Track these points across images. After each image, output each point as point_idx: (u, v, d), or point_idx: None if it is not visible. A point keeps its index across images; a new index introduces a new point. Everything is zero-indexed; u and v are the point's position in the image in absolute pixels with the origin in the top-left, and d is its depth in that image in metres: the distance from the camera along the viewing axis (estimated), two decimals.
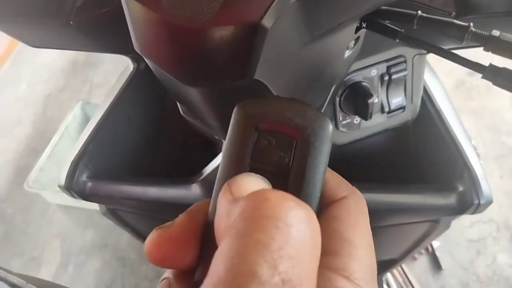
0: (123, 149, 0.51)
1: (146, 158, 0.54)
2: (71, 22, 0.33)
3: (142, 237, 0.61)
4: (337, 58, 0.27)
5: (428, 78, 0.46)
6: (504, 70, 0.22)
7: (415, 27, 0.24)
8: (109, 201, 0.49)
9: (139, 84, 0.49)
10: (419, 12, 0.24)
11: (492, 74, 0.22)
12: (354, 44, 0.28)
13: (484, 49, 0.22)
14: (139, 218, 0.55)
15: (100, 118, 0.48)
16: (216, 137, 0.36)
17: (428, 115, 0.44)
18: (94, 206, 1.34)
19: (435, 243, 1.19)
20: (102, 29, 0.31)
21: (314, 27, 0.20)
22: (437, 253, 1.18)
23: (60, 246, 1.36)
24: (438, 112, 0.44)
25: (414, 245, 0.53)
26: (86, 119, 1.55)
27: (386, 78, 0.37)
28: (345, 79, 0.37)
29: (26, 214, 1.45)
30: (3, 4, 0.32)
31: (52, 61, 1.95)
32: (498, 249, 1.20)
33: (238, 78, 0.19)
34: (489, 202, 0.40)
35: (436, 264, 1.18)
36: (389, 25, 0.26)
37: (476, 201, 0.40)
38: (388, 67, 0.37)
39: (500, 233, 1.23)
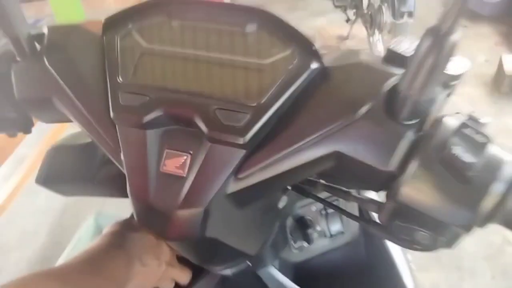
0: None
1: None
2: (95, 182, 0.47)
3: None
4: (272, 209, 0.40)
5: None
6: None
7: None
8: None
9: None
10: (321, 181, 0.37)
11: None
12: (287, 197, 0.41)
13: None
14: None
15: None
16: None
17: (370, 237, 0.56)
18: None
19: None
20: (114, 186, 0.42)
21: (244, 204, 0.33)
22: None
23: None
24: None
25: None
26: (99, 229, 1.67)
27: (324, 212, 0.49)
28: (294, 214, 0.49)
29: None
30: (53, 173, 0.47)
31: None
32: None
33: (197, 236, 0.31)
34: None
35: None
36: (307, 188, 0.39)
37: None
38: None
39: None
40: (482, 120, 0.30)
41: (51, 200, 2.04)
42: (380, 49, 2.58)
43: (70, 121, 0.34)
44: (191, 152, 0.28)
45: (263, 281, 0.53)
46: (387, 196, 0.28)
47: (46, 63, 0.35)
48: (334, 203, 0.41)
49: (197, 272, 0.56)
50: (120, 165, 0.31)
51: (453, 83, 0.30)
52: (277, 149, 0.28)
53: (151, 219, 0.30)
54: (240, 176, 0.28)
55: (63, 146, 0.48)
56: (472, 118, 0.31)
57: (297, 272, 0.59)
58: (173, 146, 0.29)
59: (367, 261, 0.59)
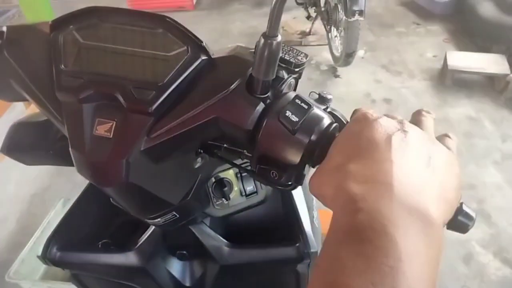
0: (85, 228, 0.74)
1: (103, 231, 0.76)
2: (51, 152, 0.59)
3: None
4: (188, 168, 0.52)
5: None
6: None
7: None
8: (73, 267, 0.70)
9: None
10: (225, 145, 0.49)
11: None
12: (202, 159, 0.53)
13: None
14: (95, 281, 0.75)
15: (70, 207, 0.72)
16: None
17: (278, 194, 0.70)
18: None
19: None
20: (67, 156, 0.46)
21: (158, 158, 0.45)
22: None
23: None
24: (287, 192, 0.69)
25: None
26: None
27: (239, 175, 0.63)
28: (214, 175, 0.62)
29: None
30: (15, 143, 0.58)
31: None
32: None
33: (122, 182, 0.43)
34: (316, 251, 0.63)
35: None
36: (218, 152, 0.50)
37: (306, 251, 0.63)
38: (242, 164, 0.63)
39: None
40: (328, 96, 0.45)
41: (19, 189, 2.10)
42: (337, 45, 2.74)
43: (26, 100, 0.46)
44: (116, 120, 0.40)
45: (196, 235, 0.66)
46: (254, 148, 0.39)
47: (6, 54, 0.46)
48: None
49: (142, 231, 0.68)
50: (65, 133, 0.43)
51: (297, 69, 0.42)
52: (177, 116, 0.40)
53: (87, 170, 0.42)
54: (151, 136, 0.40)
55: (24, 122, 0.60)
56: (320, 94, 0.45)
57: (225, 229, 0.72)
58: (102, 116, 0.41)
59: (282, 215, 0.73)
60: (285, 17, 3.43)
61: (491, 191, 1.91)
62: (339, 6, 2.48)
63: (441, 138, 0.37)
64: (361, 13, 2.23)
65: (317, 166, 0.38)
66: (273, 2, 0.32)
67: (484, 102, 2.46)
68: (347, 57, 2.54)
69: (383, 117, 0.34)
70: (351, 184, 0.28)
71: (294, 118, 0.36)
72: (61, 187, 2.05)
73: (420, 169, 0.30)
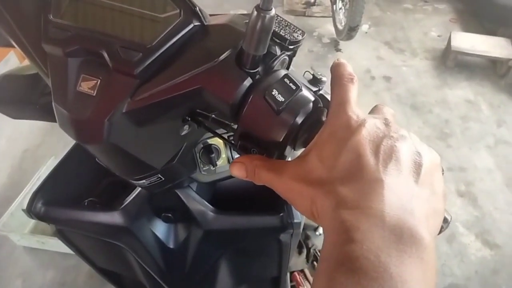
0: (72, 185, 0.74)
1: (90, 189, 0.76)
2: (37, 106, 0.58)
3: (84, 256, 0.81)
4: (174, 134, 0.51)
5: None
6: None
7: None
8: (57, 222, 0.71)
9: None
10: (213, 115, 0.47)
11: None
12: (189, 127, 0.52)
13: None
14: (80, 238, 0.76)
15: (57, 163, 0.71)
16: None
17: None
18: (56, 247, 1.51)
19: None
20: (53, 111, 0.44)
21: (141, 122, 0.43)
22: None
23: (22, 285, 1.50)
24: None
25: (280, 261, 0.75)
26: None
27: (225, 142, 0.62)
28: (202, 141, 0.61)
29: None
30: (4, 97, 0.57)
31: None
32: None
33: (102, 141, 0.42)
34: (299, 221, 0.64)
35: None
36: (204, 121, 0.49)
37: (290, 221, 0.63)
38: (228, 136, 0.62)
39: None
40: (323, 79, 0.43)
41: (11, 144, 2.09)
42: (341, 17, 2.68)
43: (14, 46, 0.45)
44: (100, 78, 0.39)
45: (182, 199, 0.66)
46: (237, 123, 0.38)
47: None
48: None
49: (128, 191, 0.68)
50: (50, 85, 0.41)
51: (291, 46, 0.40)
52: (162, 82, 0.38)
53: (69, 126, 0.41)
54: (134, 99, 0.39)
55: (12, 74, 0.58)
56: (314, 75, 0.44)
57: (211, 195, 0.72)
58: (87, 72, 0.39)
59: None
60: None
61: (480, 174, 1.93)
62: None
63: (376, 109, 0.36)
64: None
65: (300, 150, 0.36)
66: None
67: (484, 85, 2.44)
68: (350, 31, 2.49)
69: (368, 120, 0.32)
70: (342, 211, 0.27)
71: (280, 98, 0.35)
72: (53, 144, 2.04)
73: (410, 184, 0.29)
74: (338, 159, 0.30)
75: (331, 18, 2.89)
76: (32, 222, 1.63)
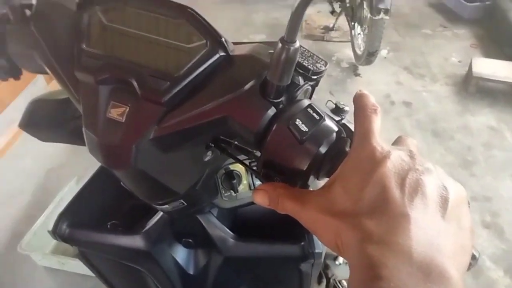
0: (96, 207, 0.75)
1: (113, 212, 0.77)
2: (66, 130, 0.60)
3: (104, 279, 0.81)
4: (197, 160, 0.52)
5: None
6: None
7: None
8: (80, 244, 0.72)
9: None
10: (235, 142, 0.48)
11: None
12: (212, 153, 0.53)
13: None
14: (101, 260, 0.77)
15: (82, 186, 0.73)
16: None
17: None
18: (76, 269, 1.52)
19: None
20: (81, 135, 0.46)
21: (167, 148, 0.44)
22: None
23: None
24: None
25: None
26: None
27: (247, 169, 0.63)
28: (224, 167, 0.62)
29: (15, 275, 1.62)
30: (32, 119, 0.60)
31: None
32: None
33: (130, 166, 0.43)
34: (320, 251, 0.63)
35: None
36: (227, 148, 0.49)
37: (311, 250, 0.63)
38: (250, 163, 0.63)
39: None
40: (345, 108, 0.44)
41: (36, 164, 2.15)
42: (360, 42, 2.70)
43: (47, 73, 0.47)
44: (129, 105, 0.40)
45: (203, 225, 0.67)
46: (261, 151, 0.39)
47: (32, 27, 0.47)
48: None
49: (150, 215, 0.69)
50: (81, 111, 0.43)
51: (314, 77, 0.41)
52: (188, 110, 0.39)
53: (98, 151, 0.42)
54: (161, 126, 0.40)
55: (43, 99, 0.61)
56: (337, 104, 0.44)
57: (232, 221, 0.73)
58: (117, 99, 0.41)
59: None
60: (309, 11, 3.36)
61: (507, 205, 1.87)
62: (365, 3, 2.44)
63: (400, 140, 0.36)
64: (386, 11, 2.18)
65: (323, 180, 0.36)
66: (295, 5, 0.31)
67: (507, 112, 2.40)
68: (369, 56, 2.50)
69: (392, 152, 0.32)
70: (369, 246, 0.27)
71: (304, 128, 0.36)
72: (76, 165, 2.08)
73: (437, 219, 0.29)
74: (364, 191, 0.30)
75: (349, 43, 2.92)
76: (53, 242, 1.66)
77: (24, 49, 0.49)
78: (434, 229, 0.28)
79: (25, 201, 1.94)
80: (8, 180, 2.07)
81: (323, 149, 0.36)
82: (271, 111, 0.38)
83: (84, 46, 0.43)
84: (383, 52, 2.93)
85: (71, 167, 2.10)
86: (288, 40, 0.33)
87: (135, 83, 0.40)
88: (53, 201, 1.69)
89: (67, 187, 1.76)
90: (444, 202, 0.30)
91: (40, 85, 2.30)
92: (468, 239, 0.30)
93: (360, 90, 0.38)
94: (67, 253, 1.57)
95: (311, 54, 0.42)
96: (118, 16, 0.44)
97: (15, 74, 0.56)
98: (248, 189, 0.65)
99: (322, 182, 0.37)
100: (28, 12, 0.49)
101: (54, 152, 2.19)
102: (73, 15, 0.46)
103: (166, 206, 0.55)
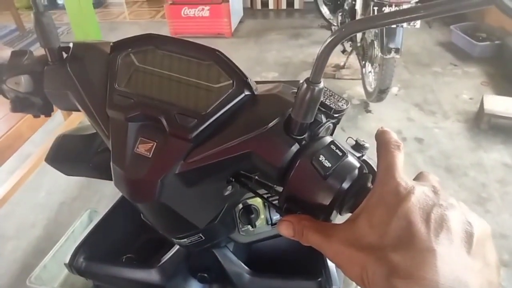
0: (112, 241, 0.75)
1: (129, 246, 0.77)
2: (90, 164, 0.62)
3: None
4: (218, 194, 0.52)
5: None
6: None
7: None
8: (96, 278, 0.71)
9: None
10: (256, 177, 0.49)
11: None
12: (232, 187, 0.53)
13: None
14: None
15: (99, 220, 0.74)
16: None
17: None
18: None
19: None
20: (106, 170, 0.48)
21: (191, 183, 0.46)
22: None
23: None
24: None
25: None
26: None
27: (266, 204, 0.63)
28: (242, 201, 0.63)
29: None
30: (59, 154, 0.62)
31: None
32: None
33: (154, 200, 0.44)
34: (338, 287, 0.62)
35: None
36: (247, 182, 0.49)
37: (328, 286, 0.62)
38: (268, 197, 0.63)
39: None
40: (366, 145, 0.45)
41: (49, 197, 2.17)
42: (371, 80, 2.74)
43: (78, 110, 0.49)
44: (157, 141, 0.42)
45: (218, 259, 0.66)
46: (284, 187, 0.39)
47: (68, 68, 0.50)
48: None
49: (166, 249, 0.69)
50: (109, 146, 0.45)
51: (336, 115, 0.43)
52: (214, 146, 0.41)
53: (124, 185, 0.44)
54: (187, 161, 0.41)
55: (69, 134, 0.64)
56: (357, 141, 0.45)
57: (248, 256, 0.72)
58: (145, 135, 0.43)
59: (306, 248, 0.72)
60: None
61: None
62: (375, 43, 2.50)
63: (422, 176, 0.36)
64: (397, 51, 2.23)
65: (346, 215, 0.36)
66: (321, 48, 0.32)
67: None
68: (380, 93, 2.53)
69: (416, 187, 0.32)
70: (396, 280, 0.27)
71: (327, 164, 0.36)
72: (88, 198, 2.10)
73: (463, 255, 0.29)
74: (389, 226, 0.30)
75: (360, 80, 2.96)
76: (63, 275, 1.64)
77: (59, 88, 0.52)
78: (461, 265, 0.28)
79: (37, 234, 1.95)
80: (21, 213, 2.09)
81: (346, 185, 0.36)
82: (295, 147, 0.39)
83: (116, 85, 0.45)
84: (394, 89, 2.96)
85: (83, 200, 2.12)
86: (313, 81, 0.34)
87: (163, 120, 0.42)
88: (65, 235, 1.69)
89: (78, 220, 1.76)
90: (469, 237, 0.30)
91: (58, 121, 2.37)
92: (494, 275, 0.30)
93: (382, 127, 0.39)
94: (75, 287, 1.54)
95: (333, 93, 0.44)
96: (149, 58, 0.47)
97: (48, 111, 0.59)
98: (265, 224, 0.65)
99: (344, 218, 0.37)
100: (65, 54, 0.52)
101: (67, 185, 2.22)
102: (107, 57, 0.49)
103: (184, 240, 0.56)
